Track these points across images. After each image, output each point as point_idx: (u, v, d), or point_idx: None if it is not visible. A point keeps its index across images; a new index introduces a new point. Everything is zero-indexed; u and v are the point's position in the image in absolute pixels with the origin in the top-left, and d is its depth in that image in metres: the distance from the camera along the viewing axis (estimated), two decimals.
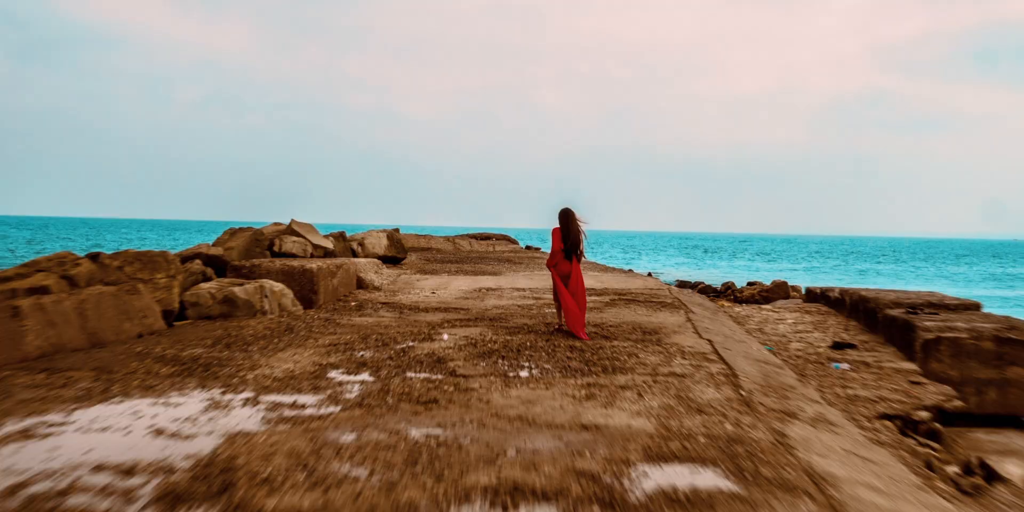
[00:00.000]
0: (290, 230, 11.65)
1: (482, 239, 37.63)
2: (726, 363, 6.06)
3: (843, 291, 11.19)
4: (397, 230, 38.92)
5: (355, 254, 14.24)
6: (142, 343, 6.53)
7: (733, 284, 28.26)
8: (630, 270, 18.49)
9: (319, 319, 8.11)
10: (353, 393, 4.82)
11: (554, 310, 8.93)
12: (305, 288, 9.20)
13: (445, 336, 6.94)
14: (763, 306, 11.80)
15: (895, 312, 8.54)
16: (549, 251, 7.65)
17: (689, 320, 8.50)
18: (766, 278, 38.53)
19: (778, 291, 23.06)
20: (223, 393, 4.78)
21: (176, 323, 7.58)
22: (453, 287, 11.86)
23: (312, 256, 11.50)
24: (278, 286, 8.59)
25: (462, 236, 37.11)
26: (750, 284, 27.57)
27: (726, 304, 12.05)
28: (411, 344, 6.65)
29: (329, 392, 4.83)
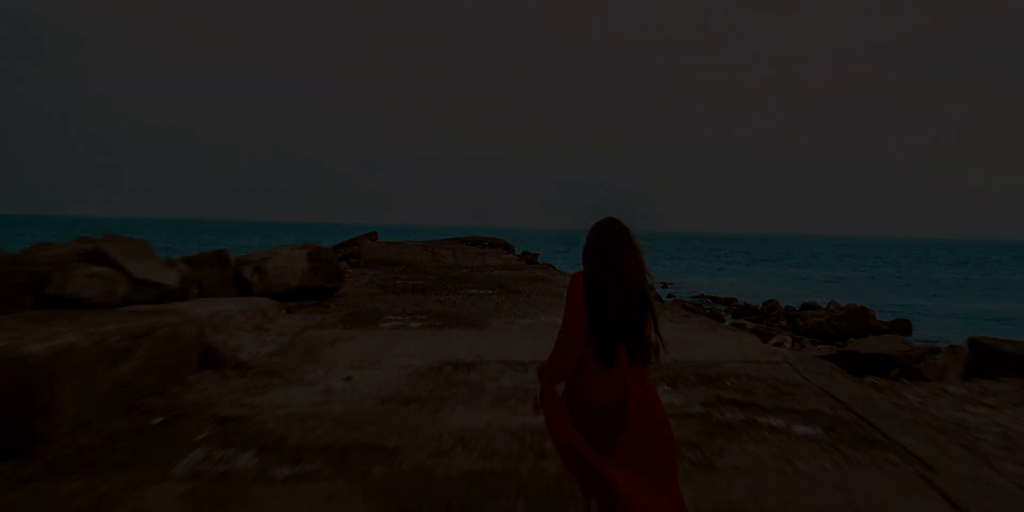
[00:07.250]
0: (95, 253, 6.34)
1: (471, 244, 32.11)
2: None
3: None
4: (376, 233, 33.03)
5: (247, 287, 8.85)
6: None
7: (777, 304, 22.75)
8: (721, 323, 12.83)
9: None
10: None
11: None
12: (11, 404, 3.91)
13: None
14: (947, 389, 6.58)
15: None
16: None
17: None
18: (810, 294, 32.24)
19: (854, 320, 17.74)
20: None
21: None
22: (392, 360, 6.48)
23: (129, 300, 6.19)
24: None
25: (447, 241, 31.56)
26: (807, 307, 22.01)
27: (881, 382, 6.81)
28: None
29: None
